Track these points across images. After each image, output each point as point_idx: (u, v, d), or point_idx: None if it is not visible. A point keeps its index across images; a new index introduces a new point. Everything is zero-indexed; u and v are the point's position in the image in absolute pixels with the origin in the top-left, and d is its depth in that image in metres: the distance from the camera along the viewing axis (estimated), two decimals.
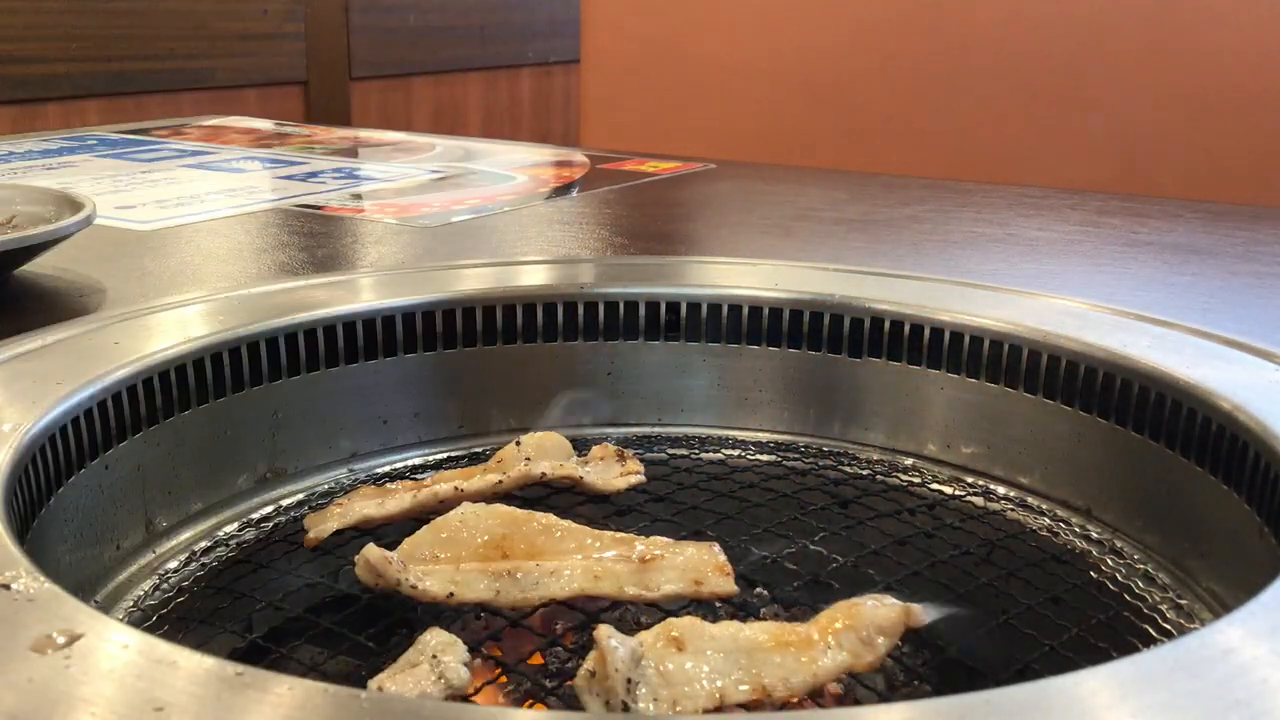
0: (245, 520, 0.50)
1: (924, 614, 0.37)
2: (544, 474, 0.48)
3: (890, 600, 0.37)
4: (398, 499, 0.46)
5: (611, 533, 0.42)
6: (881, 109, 1.61)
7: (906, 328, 0.55)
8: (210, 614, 0.43)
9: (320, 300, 0.55)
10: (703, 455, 0.56)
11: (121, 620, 0.34)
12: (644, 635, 0.34)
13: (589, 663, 0.32)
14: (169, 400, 0.48)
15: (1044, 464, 0.52)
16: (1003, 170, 1.49)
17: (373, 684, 0.33)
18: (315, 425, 0.53)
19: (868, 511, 0.49)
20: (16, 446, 0.39)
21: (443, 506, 0.44)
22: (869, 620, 0.36)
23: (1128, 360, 0.49)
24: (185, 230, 0.90)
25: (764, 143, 1.67)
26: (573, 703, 0.32)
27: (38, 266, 0.74)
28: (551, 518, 0.42)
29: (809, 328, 0.57)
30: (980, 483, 0.53)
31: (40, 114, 1.83)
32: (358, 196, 1.05)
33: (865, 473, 0.54)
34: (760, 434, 0.58)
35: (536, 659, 0.40)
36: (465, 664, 0.34)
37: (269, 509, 0.51)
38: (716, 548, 0.42)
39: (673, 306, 0.59)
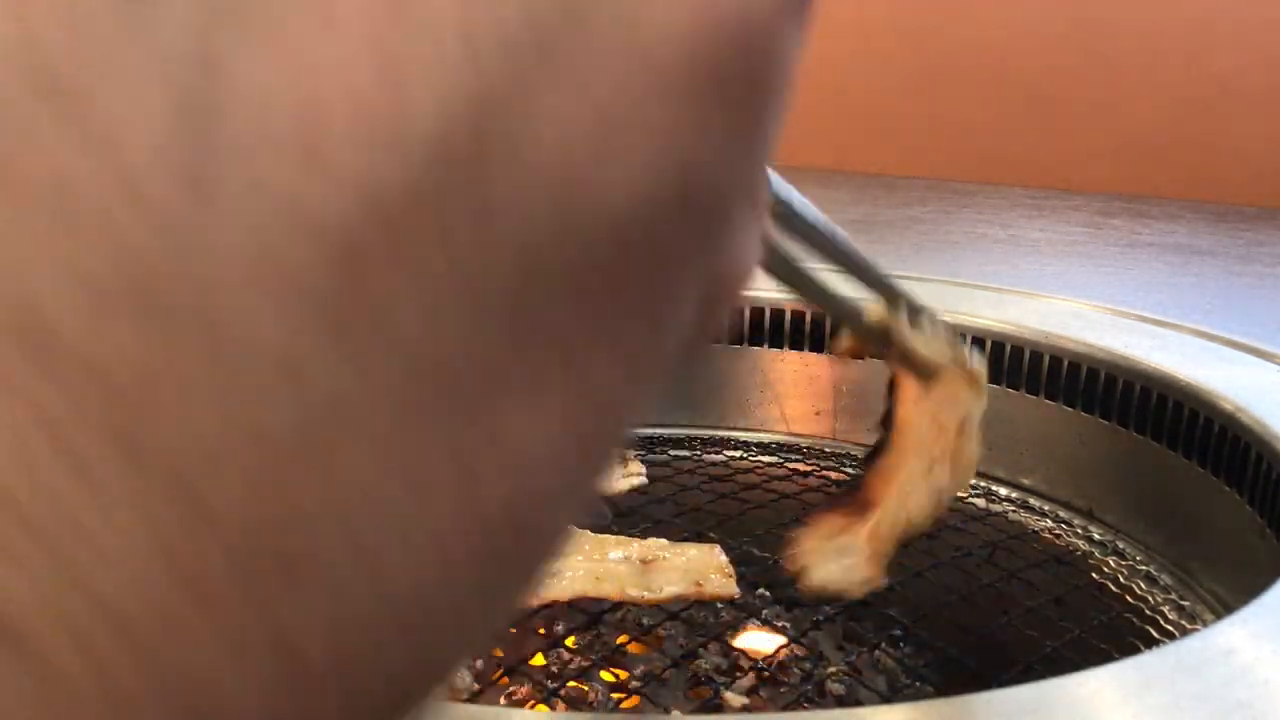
0: None
1: None
2: None
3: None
4: None
5: (613, 534, 0.42)
6: (883, 110, 1.61)
7: None
8: None
9: None
10: (704, 456, 0.56)
11: None
12: None
13: None
14: None
15: (1046, 465, 0.52)
16: (1004, 171, 1.49)
17: None
18: None
19: None
20: None
21: None
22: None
23: (1130, 361, 0.49)
24: None
25: None
26: (574, 703, 0.33)
27: None
28: None
29: (810, 328, 0.57)
30: (982, 484, 0.53)
31: None
32: None
33: None
34: (762, 434, 0.58)
35: (538, 659, 0.40)
36: (466, 665, 0.34)
37: None
38: (718, 549, 0.42)
39: None
